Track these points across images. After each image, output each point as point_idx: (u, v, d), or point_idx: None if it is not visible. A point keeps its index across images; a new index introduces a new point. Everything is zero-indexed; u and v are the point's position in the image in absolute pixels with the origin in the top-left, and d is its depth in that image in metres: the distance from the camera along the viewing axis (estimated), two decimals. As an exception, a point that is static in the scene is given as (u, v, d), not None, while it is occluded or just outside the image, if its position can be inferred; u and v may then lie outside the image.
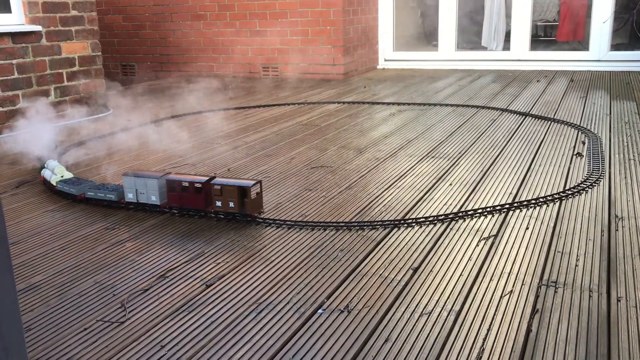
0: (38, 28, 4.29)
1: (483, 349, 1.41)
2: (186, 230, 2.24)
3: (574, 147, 3.26)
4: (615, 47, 6.62)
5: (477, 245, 2.01)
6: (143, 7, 7.42)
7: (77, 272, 1.91)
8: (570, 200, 2.42)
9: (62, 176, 2.77)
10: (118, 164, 3.24)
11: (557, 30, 7.51)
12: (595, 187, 2.55)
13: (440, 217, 2.26)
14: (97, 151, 3.58)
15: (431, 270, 1.84)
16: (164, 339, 1.51)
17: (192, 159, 3.28)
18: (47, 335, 1.55)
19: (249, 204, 2.26)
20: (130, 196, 2.47)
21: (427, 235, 2.11)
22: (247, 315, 1.60)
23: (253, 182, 2.26)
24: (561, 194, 2.46)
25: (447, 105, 4.71)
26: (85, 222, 2.37)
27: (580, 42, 7.16)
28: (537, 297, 1.65)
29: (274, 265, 1.91)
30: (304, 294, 1.71)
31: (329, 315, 1.59)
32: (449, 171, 2.89)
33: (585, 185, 2.55)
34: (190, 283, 1.81)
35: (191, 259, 1.98)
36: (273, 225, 2.25)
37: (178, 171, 3.04)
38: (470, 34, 7.80)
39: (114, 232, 2.25)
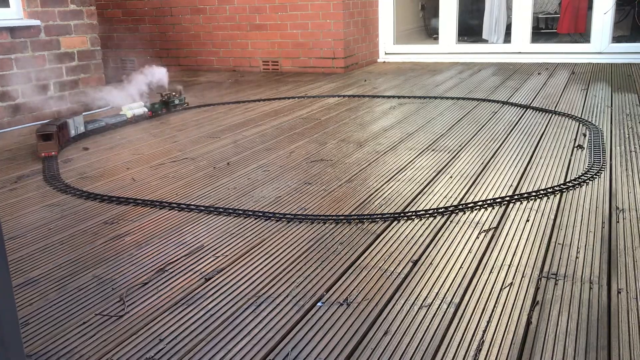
0: (37, 22, 4.28)
1: (483, 341, 1.40)
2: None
3: (575, 139, 3.25)
4: (616, 39, 6.60)
5: (477, 237, 2.01)
6: (142, 2, 7.40)
7: (76, 266, 1.91)
8: (571, 192, 2.41)
9: (120, 112, 4.07)
10: (115, 161, 3.23)
11: (558, 23, 7.47)
12: (596, 179, 2.54)
13: (440, 210, 2.25)
14: (93, 147, 3.57)
15: (431, 263, 1.83)
16: (162, 332, 1.50)
17: (191, 153, 3.27)
18: (46, 329, 1.54)
19: (39, 146, 2.98)
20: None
21: (427, 228, 2.10)
22: (246, 309, 1.60)
23: (51, 128, 2.98)
24: (562, 186, 2.45)
25: (447, 98, 4.69)
26: (84, 216, 2.36)
27: (581, 34, 7.14)
28: (537, 289, 1.64)
29: (274, 259, 1.90)
30: (304, 287, 1.71)
31: (328, 308, 1.59)
32: (449, 164, 2.88)
33: (586, 178, 2.54)
34: (189, 277, 1.80)
35: (190, 252, 1.97)
36: (272, 218, 2.24)
37: (177, 165, 3.03)
38: (471, 27, 7.77)
39: (113, 226, 2.24)
